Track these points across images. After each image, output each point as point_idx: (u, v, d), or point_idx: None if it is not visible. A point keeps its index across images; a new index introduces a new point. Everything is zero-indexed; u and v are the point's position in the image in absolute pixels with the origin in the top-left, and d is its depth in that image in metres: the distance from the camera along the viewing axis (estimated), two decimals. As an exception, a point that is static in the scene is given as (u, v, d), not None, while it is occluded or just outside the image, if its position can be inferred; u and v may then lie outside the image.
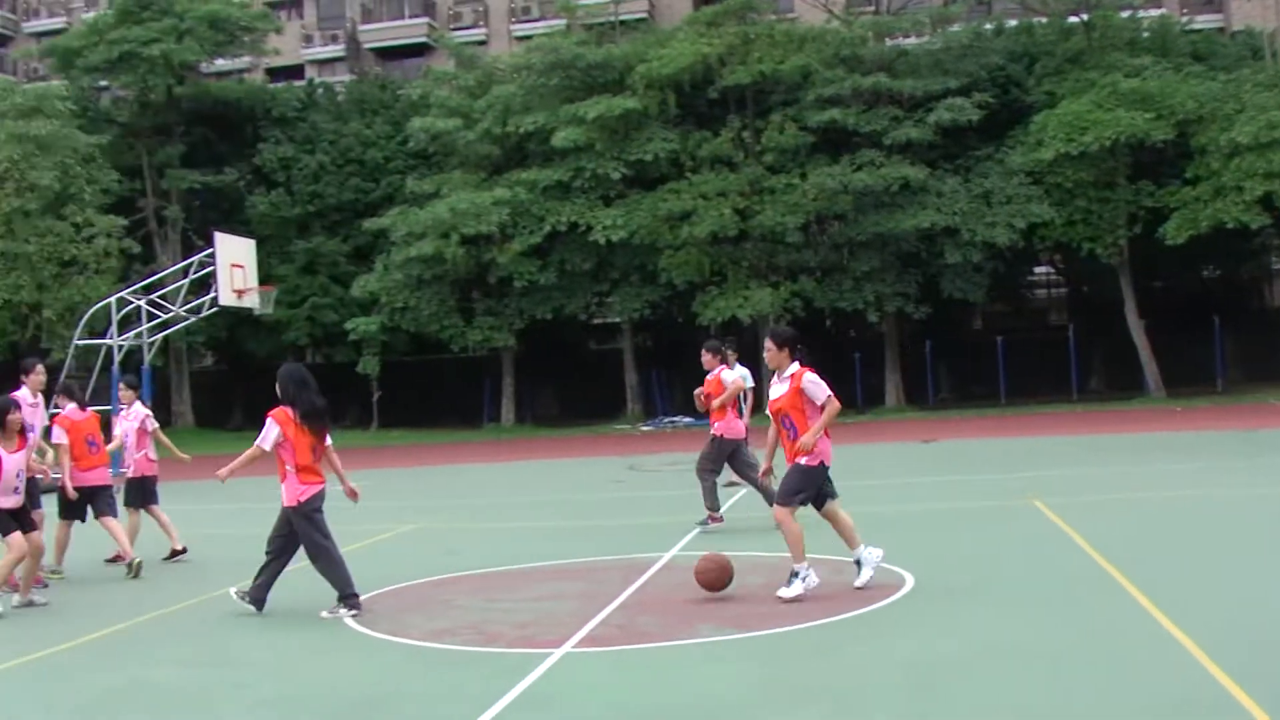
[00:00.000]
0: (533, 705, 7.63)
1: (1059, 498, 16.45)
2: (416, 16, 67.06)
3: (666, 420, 44.32)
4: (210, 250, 29.16)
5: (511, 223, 44.91)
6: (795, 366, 10.74)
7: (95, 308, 33.23)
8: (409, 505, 21.17)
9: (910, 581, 10.98)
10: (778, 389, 10.87)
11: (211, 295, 29.41)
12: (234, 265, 29.45)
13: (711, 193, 44.32)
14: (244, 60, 58.16)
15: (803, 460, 10.57)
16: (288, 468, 11.01)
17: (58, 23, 71.14)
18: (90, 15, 58.32)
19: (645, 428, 44.53)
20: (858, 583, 10.72)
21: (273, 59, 58.98)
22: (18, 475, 11.56)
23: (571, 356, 54.91)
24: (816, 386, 10.62)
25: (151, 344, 30.68)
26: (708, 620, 9.83)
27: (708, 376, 15.78)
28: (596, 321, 54.33)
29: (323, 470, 11.23)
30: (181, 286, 30.37)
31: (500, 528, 17.55)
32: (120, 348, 28.98)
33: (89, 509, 14.28)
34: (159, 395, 42.68)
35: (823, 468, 10.71)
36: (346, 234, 51.23)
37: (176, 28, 49.42)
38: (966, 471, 22.82)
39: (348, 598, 10.99)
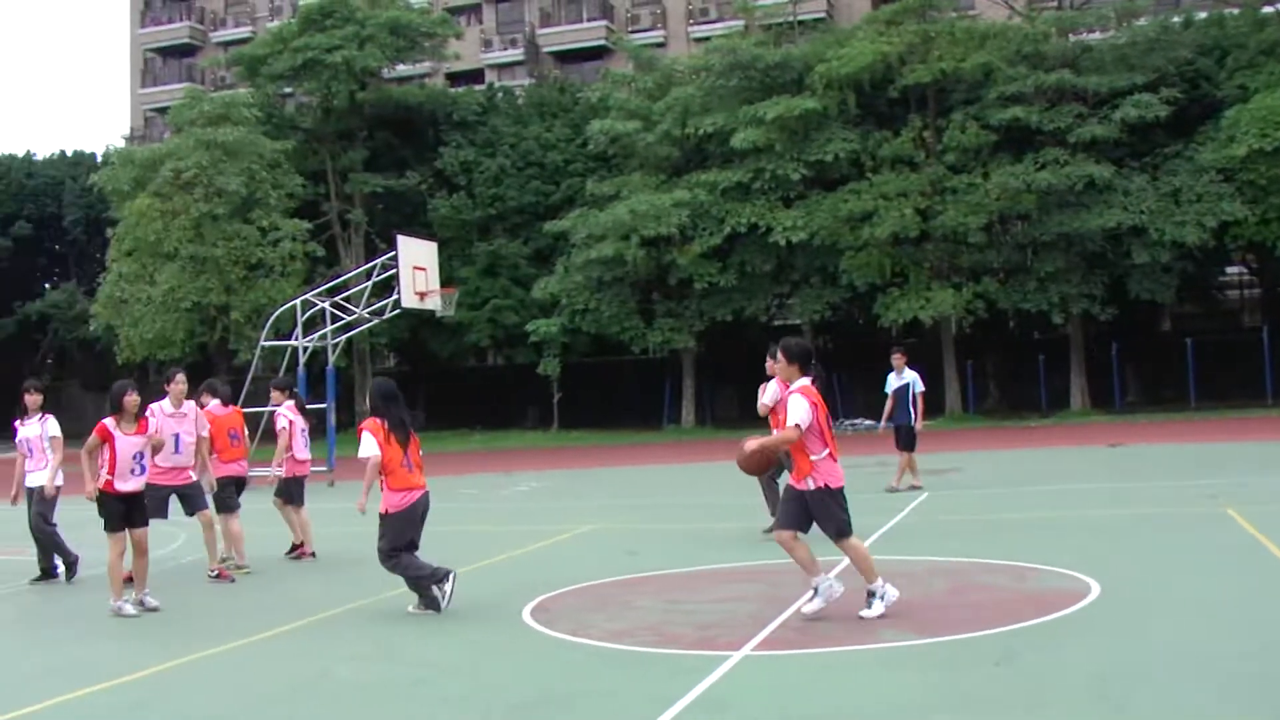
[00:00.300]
0: (711, 708, 7.55)
1: (1254, 505, 15.89)
2: (595, 19, 67.49)
3: (848, 423, 43.86)
4: (393, 253, 29.53)
5: (691, 224, 44.92)
6: (805, 381, 10.16)
7: (281, 310, 33.94)
8: (589, 506, 21.26)
9: (1096, 589, 10.68)
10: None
11: (394, 298, 29.78)
12: (416, 268, 29.78)
13: (892, 193, 43.85)
14: (425, 65, 59.07)
15: (805, 486, 10.15)
16: (381, 477, 11.36)
17: (244, 32, 73.11)
18: (275, 24, 59.80)
19: (826, 430, 44.11)
20: (808, 610, 10.18)
21: (453, 64, 59.79)
22: (135, 458, 11.79)
23: (752, 358, 54.56)
24: (795, 405, 9.98)
25: (335, 345, 31.18)
26: (888, 625, 9.66)
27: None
28: (777, 323, 54.00)
29: (416, 478, 11.61)
30: (365, 289, 30.84)
31: (680, 529, 17.50)
32: (305, 349, 29.53)
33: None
34: (342, 396, 43.48)
35: (828, 490, 10.14)
36: (527, 236, 51.70)
37: (358, 34, 50.39)
38: (1155, 477, 22.19)
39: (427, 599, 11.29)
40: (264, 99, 53.19)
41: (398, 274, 29.06)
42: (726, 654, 8.89)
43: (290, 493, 15.66)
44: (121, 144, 63.81)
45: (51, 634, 11.22)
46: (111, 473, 11.50)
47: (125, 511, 11.69)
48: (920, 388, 20.81)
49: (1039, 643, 8.96)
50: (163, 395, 13.78)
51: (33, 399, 14.41)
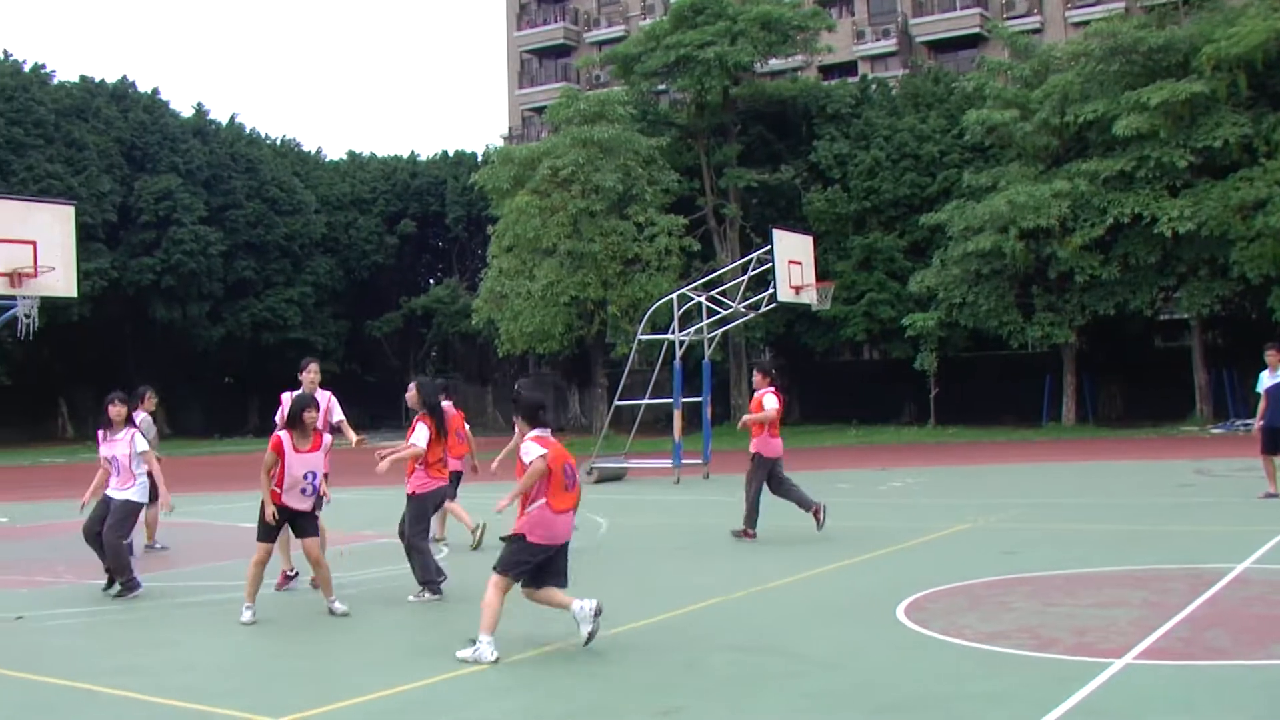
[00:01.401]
0: (1089, 716, 7.31)
1: None
2: (968, 8, 66.41)
3: (1240, 423, 41.78)
4: (768, 247, 29.61)
5: (1071, 215, 43.60)
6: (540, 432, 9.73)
7: (657, 304, 34.49)
8: (966, 503, 20.91)
9: None
10: None
11: (770, 291, 29.88)
12: (792, 261, 29.80)
13: (1289, 179, 41.53)
14: (797, 59, 59.06)
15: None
16: (418, 465, 12.48)
17: (617, 31, 74.77)
18: (647, 22, 60.86)
19: (1215, 430, 42.26)
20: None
21: (825, 57, 59.66)
22: (307, 476, 11.65)
23: (1136, 354, 52.75)
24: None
25: (711, 339, 31.47)
26: (1285, 637, 9.18)
27: (755, 395, 17.11)
28: (1163, 317, 51.96)
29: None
30: (740, 283, 31.03)
31: (1058, 529, 17.01)
32: (681, 343, 29.90)
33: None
34: (718, 390, 43.94)
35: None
36: (903, 229, 51.22)
37: (730, 30, 50.77)
38: None
39: (428, 584, 12.41)
40: (638, 96, 54.20)
41: (773, 268, 29.13)
42: (1107, 661, 8.60)
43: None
44: (500, 143, 66.18)
45: (411, 620, 11.61)
46: (279, 485, 11.49)
47: (290, 518, 11.78)
48: None
49: None
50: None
51: (116, 411, 13.41)
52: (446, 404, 15.39)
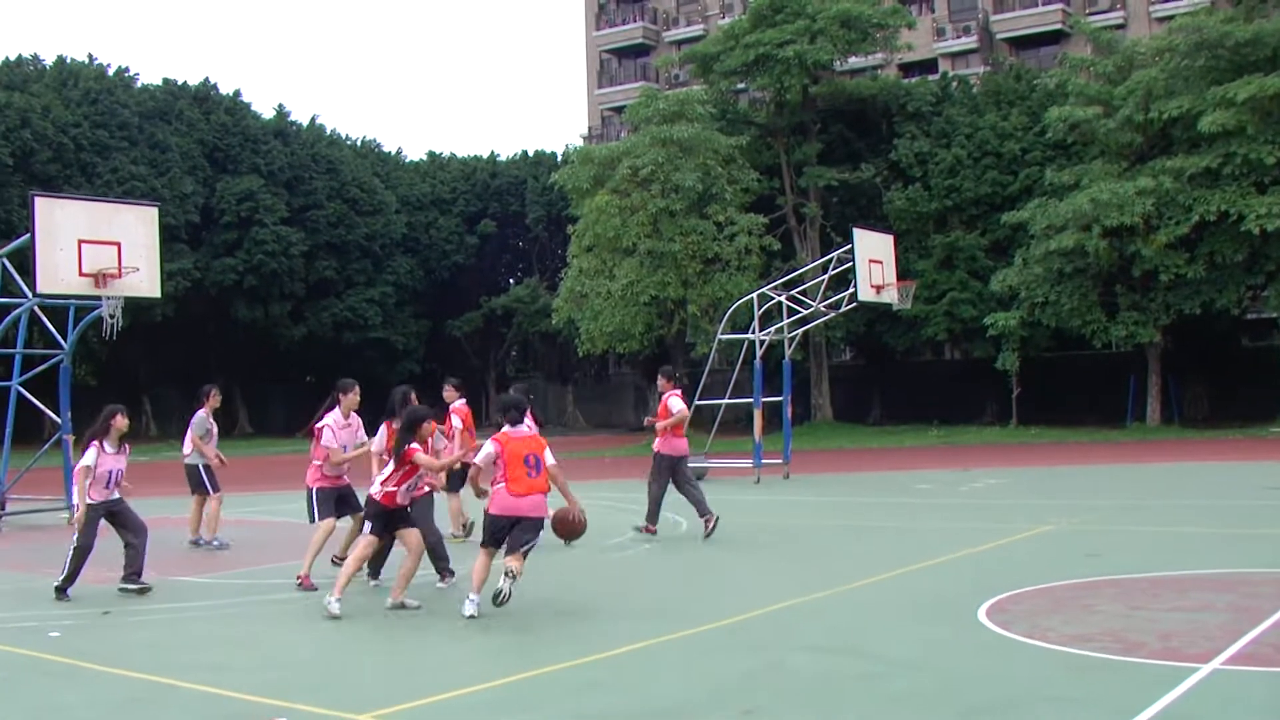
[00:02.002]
0: (1177, 722, 7.22)
1: None
2: (1050, 3, 65.79)
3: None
4: (848, 246, 29.49)
5: (1156, 213, 43.02)
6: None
7: (737, 304, 34.40)
8: (1048, 504, 20.72)
9: None
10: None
11: (850, 291, 29.76)
12: (872, 260, 29.64)
13: (1385, 175, 40.72)
14: (877, 57, 58.73)
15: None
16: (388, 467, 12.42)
17: (695, 30, 74.74)
18: (726, 21, 60.74)
19: (1305, 430, 41.65)
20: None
21: (905, 54, 59.20)
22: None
23: (1222, 353, 52.03)
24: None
25: (792, 339, 31.38)
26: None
27: (661, 399, 17.67)
28: (1250, 316, 51.24)
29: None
30: (821, 282, 30.91)
31: (1142, 531, 16.82)
32: (761, 342, 29.83)
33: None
34: (798, 389, 43.84)
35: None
36: (984, 228, 50.82)
37: (809, 28, 50.55)
38: None
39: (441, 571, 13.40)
40: (717, 95, 54.14)
41: (854, 267, 29.01)
42: (1193, 666, 8.48)
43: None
44: (580, 143, 66.33)
45: (495, 617, 11.64)
46: (398, 485, 12.04)
47: (389, 519, 12.26)
48: None
49: None
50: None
51: (123, 423, 13.81)
52: (461, 402, 16.76)
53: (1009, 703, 7.83)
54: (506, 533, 11.33)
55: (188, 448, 17.81)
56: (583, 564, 14.91)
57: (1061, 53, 56.27)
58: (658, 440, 17.63)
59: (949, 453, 38.15)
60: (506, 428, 11.56)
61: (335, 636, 10.83)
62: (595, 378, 75.83)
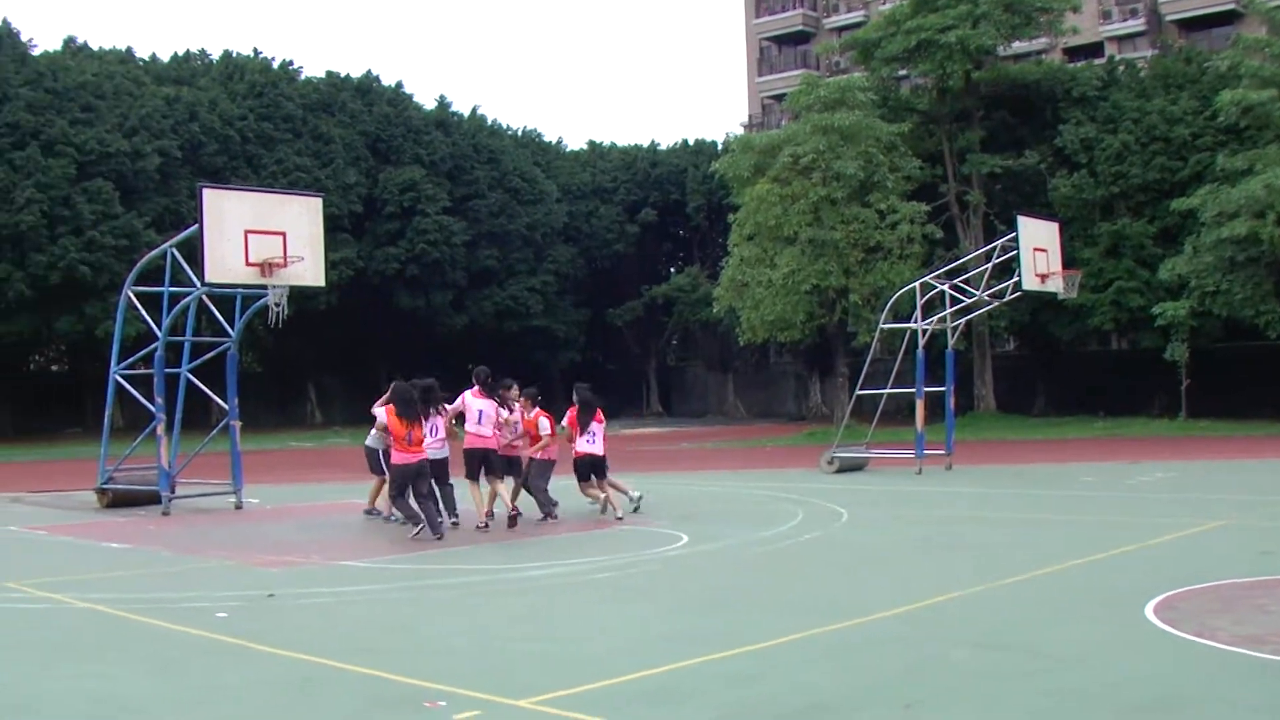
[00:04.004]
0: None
1: None
2: (1223, -17, 64.12)
3: None
4: (1013, 234, 29.03)
5: (1336, 199, 41.76)
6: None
7: (900, 292, 34.06)
8: (1220, 500, 20.23)
9: None
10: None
11: (1014, 280, 29.31)
12: (1037, 249, 29.14)
13: None
14: (1041, 41, 57.78)
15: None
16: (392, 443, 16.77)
17: (856, 16, 74.18)
18: (887, 7, 60.02)
19: None
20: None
21: (1070, 38, 58.09)
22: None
23: None
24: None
25: (954, 328, 30.99)
26: None
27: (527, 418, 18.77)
28: None
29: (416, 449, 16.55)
30: (984, 271, 30.50)
31: (1319, 527, 16.35)
32: (924, 332, 29.51)
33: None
34: (961, 379, 43.30)
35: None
36: (1152, 215, 49.70)
37: (971, 13, 49.74)
38: None
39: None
40: (878, 82, 53.63)
41: (1018, 255, 28.56)
42: (1374, 670, 8.19)
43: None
44: (740, 131, 66.12)
45: (653, 606, 11.65)
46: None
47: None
48: None
49: None
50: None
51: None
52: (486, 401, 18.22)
53: (1176, 703, 7.65)
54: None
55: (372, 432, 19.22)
56: (741, 555, 14.91)
57: (1234, 34, 54.76)
58: (549, 449, 18.79)
59: (1115, 445, 37.44)
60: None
61: (494, 623, 10.95)
62: (755, 367, 75.67)
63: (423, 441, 16.61)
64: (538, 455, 18.48)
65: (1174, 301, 45.70)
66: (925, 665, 8.86)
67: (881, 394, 31.78)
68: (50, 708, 8.15)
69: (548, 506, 18.33)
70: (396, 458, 16.46)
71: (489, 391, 17.87)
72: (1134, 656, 8.97)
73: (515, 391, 18.55)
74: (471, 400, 17.74)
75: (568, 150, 76.42)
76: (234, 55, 61.58)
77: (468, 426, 17.69)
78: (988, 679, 8.40)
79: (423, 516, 16.34)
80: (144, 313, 23.12)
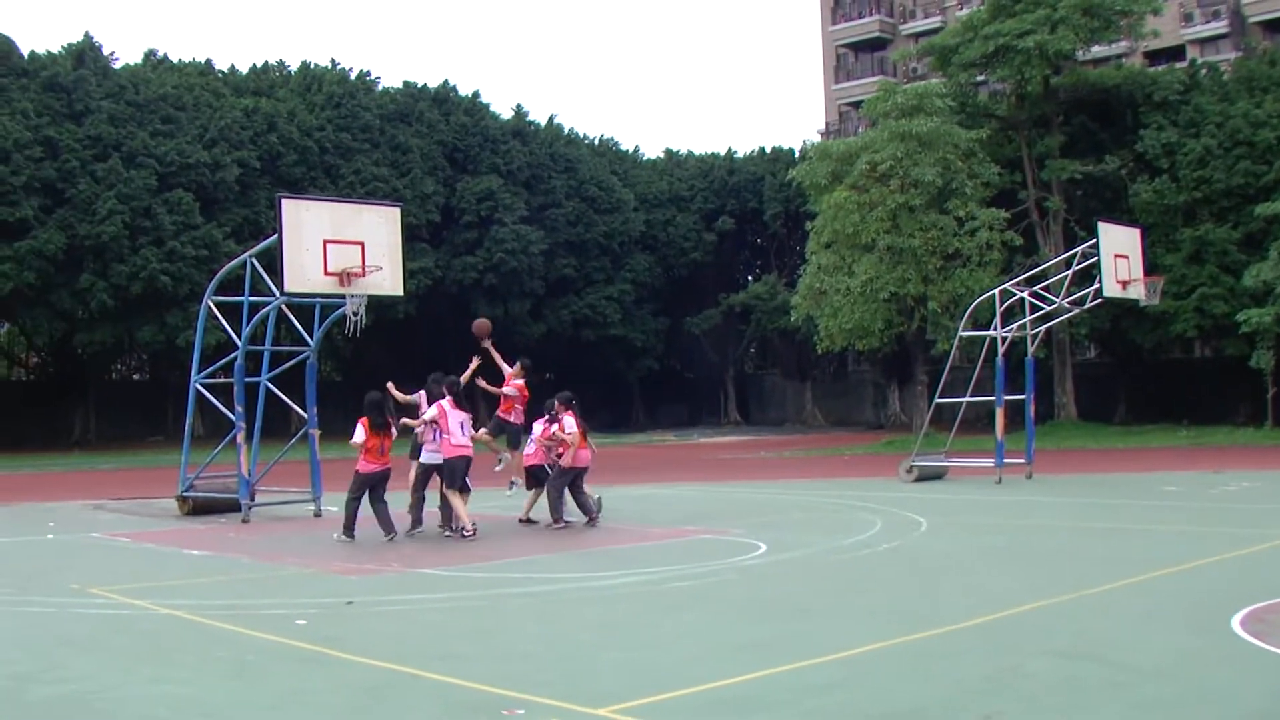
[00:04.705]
0: None
1: None
2: (1310, -17, 63.27)
3: None
4: (1093, 240, 28.73)
5: None
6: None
7: (979, 300, 33.83)
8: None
9: None
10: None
11: (1095, 286, 29.01)
12: (1118, 255, 28.83)
13: None
14: (1121, 45, 57.23)
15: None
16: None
17: (933, 23, 73.95)
18: (964, 12, 59.77)
19: None
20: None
21: (1150, 42, 57.52)
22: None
23: None
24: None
25: (1034, 336, 30.74)
26: None
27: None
28: None
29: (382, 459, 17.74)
30: (1064, 278, 30.23)
31: None
32: (1003, 339, 29.28)
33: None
34: (1041, 387, 42.93)
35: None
36: (1236, 220, 49.07)
37: (1049, 18, 49.32)
38: None
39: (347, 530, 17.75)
40: (956, 88, 53.34)
41: (1098, 262, 28.27)
42: None
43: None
44: (817, 138, 66.13)
45: (730, 615, 11.59)
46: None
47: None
48: None
49: None
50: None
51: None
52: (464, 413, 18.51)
53: (1264, 718, 7.49)
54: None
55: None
56: (821, 563, 14.83)
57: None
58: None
59: (1199, 454, 36.96)
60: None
61: (572, 631, 10.92)
62: (834, 375, 75.48)
63: (389, 452, 17.83)
64: (566, 462, 19.00)
65: (1259, 308, 45.07)
66: (1005, 675, 8.75)
67: (961, 402, 31.55)
68: (131, 712, 8.22)
69: (588, 509, 19.40)
70: (364, 466, 17.56)
71: (460, 402, 18.00)
72: (1222, 670, 8.81)
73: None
74: (451, 411, 17.75)
75: (645, 159, 76.63)
76: (312, 66, 62.21)
77: (450, 437, 17.66)
78: (1069, 690, 8.27)
79: (372, 522, 17.67)
80: (224, 322, 23.37)
